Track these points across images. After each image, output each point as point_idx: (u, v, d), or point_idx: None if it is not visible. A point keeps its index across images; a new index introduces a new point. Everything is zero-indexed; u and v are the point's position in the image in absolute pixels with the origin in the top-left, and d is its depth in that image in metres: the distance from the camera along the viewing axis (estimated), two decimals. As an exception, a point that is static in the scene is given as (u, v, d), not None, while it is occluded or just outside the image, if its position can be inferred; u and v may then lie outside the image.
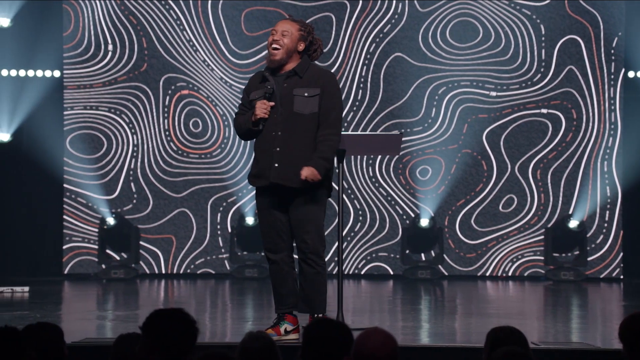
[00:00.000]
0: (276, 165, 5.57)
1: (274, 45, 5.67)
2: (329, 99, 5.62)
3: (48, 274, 10.96)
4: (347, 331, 3.32)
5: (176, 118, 11.15)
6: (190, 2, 11.14)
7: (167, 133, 11.14)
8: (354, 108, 11.12)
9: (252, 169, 5.72)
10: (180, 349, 3.22)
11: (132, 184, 11.11)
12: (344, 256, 10.83)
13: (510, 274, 11.13)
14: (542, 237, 11.06)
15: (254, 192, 5.88)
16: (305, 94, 5.61)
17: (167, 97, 11.15)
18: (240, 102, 5.84)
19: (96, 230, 11.00)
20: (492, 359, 3.28)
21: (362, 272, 11.15)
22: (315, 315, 5.65)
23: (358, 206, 11.15)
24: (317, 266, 5.63)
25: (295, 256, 5.76)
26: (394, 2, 11.16)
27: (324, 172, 5.56)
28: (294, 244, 5.73)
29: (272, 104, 5.61)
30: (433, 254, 11.03)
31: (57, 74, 11.13)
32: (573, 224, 10.92)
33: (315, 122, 5.60)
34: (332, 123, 5.60)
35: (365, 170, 11.16)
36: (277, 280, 5.70)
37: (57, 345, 3.56)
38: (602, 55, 11.11)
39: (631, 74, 11.18)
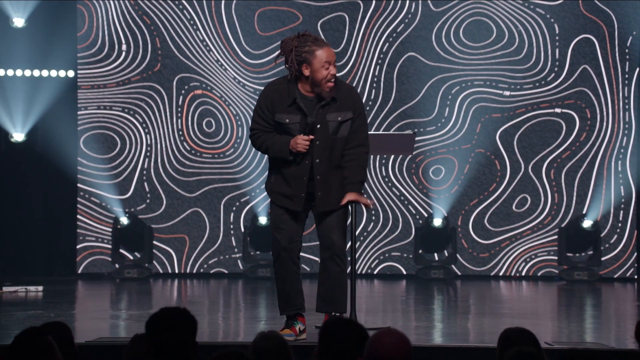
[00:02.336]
0: (319, 193, 5.61)
1: (333, 80, 5.59)
2: (360, 119, 5.66)
3: (62, 274, 10.99)
4: (363, 331, 3.32)
5: (189, 118, 11.17)
6: (204, 2, 11.16)
7: (180, 133, 11.16)
8: (367, 108, 11.11)
9: (278, 187, 5.66)
10: (182, 348, 3.22)
11: (145, 184, 11.13)
12: (357, 256, 10.83)
13: (523, 273, 11.10)
14: (555, 236, 11.03)
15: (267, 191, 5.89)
16: (339, 119, 5.61)
17: (181, 97, 11.17)
18: (257, 116, 5.68)
19: (110, 229, 11.02)
20: (504, 359, 3.28)
21: (375, 272, 11.14)
22: (335, 313, 5.65)
23: (371, 206, 11.12)
24: (342, 264, 5.67)
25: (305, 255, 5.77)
26: (407, 1, 11.14)
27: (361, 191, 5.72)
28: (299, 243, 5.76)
29: (312, 137, 5.57)
30: (446, 253, 11.01)
31: (71, 74, 11.16)
32: (587, 223, 10.88)
33: (344, 144, 5.64)
34: (364, 141, 5.67)
35: (378, 169, 11.15)
36: (288, 281, 5.68)
37: (67, 344, 3.57)
38: (617, 54, 11.07)
39: (645, 73, 11.14)
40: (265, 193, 11.00)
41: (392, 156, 11.10)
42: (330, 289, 5.67)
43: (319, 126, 5.58)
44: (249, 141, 11.04)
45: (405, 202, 11.14)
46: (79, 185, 11.09)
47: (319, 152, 5.59)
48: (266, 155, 5.92)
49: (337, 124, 5.60)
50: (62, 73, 11.15)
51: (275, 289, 5.85)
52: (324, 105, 5.60)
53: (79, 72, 11.12)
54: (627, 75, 11.07)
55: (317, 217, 5.72)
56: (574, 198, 11.09)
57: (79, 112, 11.13)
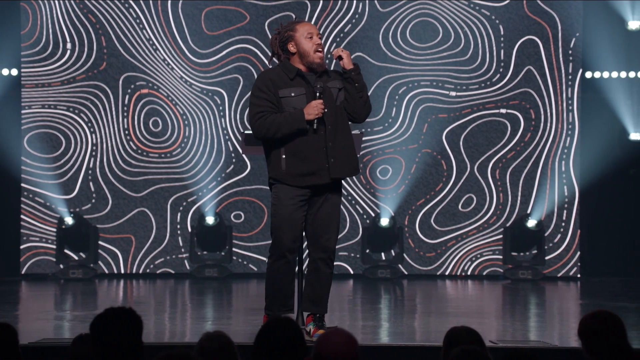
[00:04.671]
0: (332, 160, 5.57)
1: (320, 49, 5.67)
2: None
3: (5, 274, 10.85)
4: (300, 332, 3.33)
5: (136, 117, 11.09)
6: (150, 1, 11.08)
7: (126, 132, 11.07)
8: (314, 107, 11.11)
9: (295, 168, 5.55)
10: (128, 348, 3.20)
11: (90, 184, 11.03)
12: (304, 255, 10.83)
13: (469, 273, 11.19)
14: (500, 236, 11.13)
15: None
16: (337, 86, 5.69)
17: (127, 96, 11.08)
18: (259, 99, 5.58)
19: (54, 229, 10.90)
20: (450, 358, 3.30)
21: (323, 272, 11.14)
22: (320, 315, 5.64)
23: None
24: (333, 266, 5.69)
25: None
26: (355, 2, 11.18)
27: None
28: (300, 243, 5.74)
29: (321, 100, 5.58)
30: (393, 253, 11.07)
31: (14, 72, 11.02)
32: (531, 223, 11.00)
33: (345, 111, 5.69)
34: None
35: (325, 169, 11.15)
36: (286, 282, 5.62)
37: (10, 344, 3.53)
38: (560, 55, 11.21)
39: (588, 75, 11.29)
40: (212, 193, 11.07)
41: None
42: (320, 291, 5.64)
43: (320, 95, 5.59)
44: (196, 140, 11.10)
45: (353, 201, 11.17)
46: (22, 185, 10.95)
47: (329, 119, 5.59)
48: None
49: (336, 91, 5.67)
50: (5, 71, 11.01)
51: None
52: (320, 76, 5.66)
53: (22, 70, 10.98)
54: (570, 77, 11.21)
55: (313, 215, 5.63)
56: (519, 198, 11.20)
57: (22, 111, 11.00)
